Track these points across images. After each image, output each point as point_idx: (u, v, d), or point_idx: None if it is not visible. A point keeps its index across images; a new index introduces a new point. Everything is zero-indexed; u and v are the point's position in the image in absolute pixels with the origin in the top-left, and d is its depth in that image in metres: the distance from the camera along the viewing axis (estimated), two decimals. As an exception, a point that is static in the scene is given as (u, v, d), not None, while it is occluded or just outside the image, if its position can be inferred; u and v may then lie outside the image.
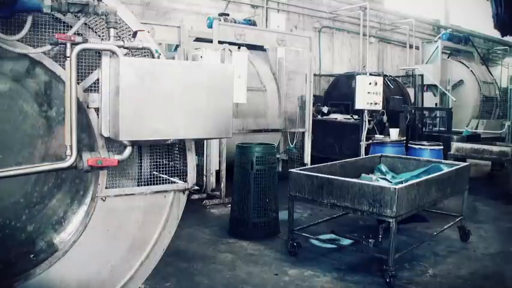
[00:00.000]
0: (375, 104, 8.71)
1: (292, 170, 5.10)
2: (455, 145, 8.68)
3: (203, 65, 4.28)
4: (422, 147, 7.66)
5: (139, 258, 3.34)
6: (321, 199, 4.62)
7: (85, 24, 2.99)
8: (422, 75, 12.74)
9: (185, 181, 3.45)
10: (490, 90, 14.65)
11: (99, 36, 3.04)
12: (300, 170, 5.14)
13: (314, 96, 9.77)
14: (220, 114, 3.15)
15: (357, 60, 14.07)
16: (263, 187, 5.59)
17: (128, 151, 3.01)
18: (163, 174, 3.42)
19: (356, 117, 9.92)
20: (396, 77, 12.81)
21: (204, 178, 7.43)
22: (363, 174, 5.78)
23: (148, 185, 3.33)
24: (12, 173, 2.68)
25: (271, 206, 5.68)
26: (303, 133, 8.85)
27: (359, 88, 8.65)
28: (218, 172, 7.42)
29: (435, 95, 13.39)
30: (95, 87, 3.02)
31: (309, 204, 5.49)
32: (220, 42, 7.30)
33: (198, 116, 3.05)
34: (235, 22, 8.38)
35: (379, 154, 6.69)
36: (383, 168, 6.08)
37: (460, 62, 14.84)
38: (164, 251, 3.47)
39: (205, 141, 7.13)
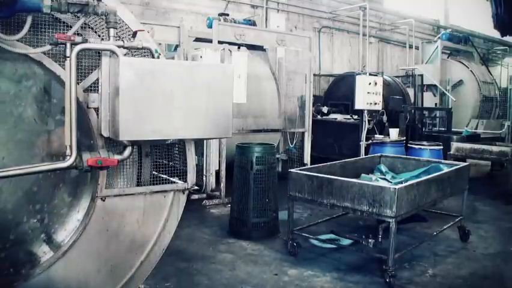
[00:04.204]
0: (375, 104, 8.71)
1: (292, 170, 5.10)
2: (455, 145, 8.69)
3: (203, 65, 4.28)
4: (422, 147, 7.67)
5: (139, 258, 3.34)
6: (320, 199, 4.62)
7: (85, 24, 2.99)
8: (421, 75, 12.75)
9: (185, 181, 3.45)
10: (490, 90, 14.65)
11: (99, 36, 3.04)
12: (300, 170, 5.14)
13: (314, 96, 9.77)
14: (219, 114, 3.15)
15: (357, 60, 14.07)
16: (263, 187, 5.59)
17: (128, 151, 3.01)
18: (162, 174, 3.42)
19: (355, 117, 9.92)
20: (396, 77, 12.81)
21: (204, 178, 7.43)
22: (363, 175, 5.78)
23: (147, 185, 3.33)
24: (12, 173, 2.68)
25: (271, 206, 5.68)
26: (303, 133, 8.85)
27: (358, 88, 8.65)
28: (218, 172, 7.42)
29: (435, 95, 13.39)
30: (95, 87, 3.02)
31: (308, 204, 5.49)
32: (219, 42, 7.31)
33: (198, 116, 3.05)
34: (235, 22, 8.38)
35: (379, 154, 6.70)
36: (383, 168, 6.08)
37: (460, 62, 14.84)
38: (164, 251, 3.47)
39: (204, 141, 7.13)
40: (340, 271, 4.64)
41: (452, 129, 10.58)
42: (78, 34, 2.84)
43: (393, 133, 8.46)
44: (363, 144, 8.78)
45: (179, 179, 3.46)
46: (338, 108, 11.12)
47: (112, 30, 2.94)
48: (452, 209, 6.22)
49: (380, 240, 4.38)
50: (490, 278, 4.66)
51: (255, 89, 8.25)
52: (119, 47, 2.92)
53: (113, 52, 2.89)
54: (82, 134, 2.97)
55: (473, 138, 9.91)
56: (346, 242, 5.21)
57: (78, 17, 2.90)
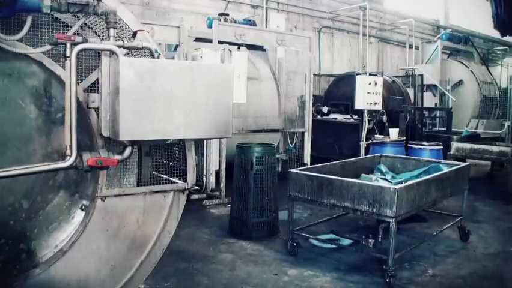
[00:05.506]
0: (375, 104, 8.71)
1: (292, 170, 5.10)
2: (455, 145, 8.69)
3: (203, 65, 4.28)
4: (422, 147, 7.67)
5: (139, 258, 3.34)
6: (320, 199, 4.62)
7: (85, 24, 2.99)
8: (421, 75, 12.75)
9: (185, 181, 3.45)
10: (490, 90, 14.65)
11: (99, 36, 3.04)
12: (300, 170, 5.14)
13: (314, 96, 9.77)
14: (219, 114, 3.15)
15: (357, 60, 14.07)
16: (263, 187, 5.59)
17: (128, 151, 3.01)
18: (163, 174, 3.42)
19: (355, 117, 9.92)
20: (396, 77, 12.81)
21: (204, 178, 7.43)
22: (362, 175, 5.79)
23: (147, 185, 3.33)
24: (12, 173, 2.68)
25: (271, 206, 5.68)
26: (303, 133, 8.85)
27: (358, 88, 8.65)
28: (218, 172, 7.43)
29: (435, 95, 13.40)
30: (94, 87, 3.02)
31: (308, 204, 5.49)
32: (220, 42, 7.31)
33: (198, 116, 3.04)
34: (235, 22, 8.39)
35: (379, 154, 6.70)
36: (383, 168, 6.08)
37: (460, 62, 14.85)
38: (164, 251, 3.47)
39: (204, 141, 7.13)
40: (340, 271, 4.64)
41: (452, 129, 10.59)
42: (78, 34, 2.84)
43: (393, 133, 8.46)
44: (363, 144, 8.78)
45: (179, 179, 3.46)
46: (338, 108, 11.12)
47: (112, 30, 2.94)
48: (452, 209, 6.22)
49: (380, 240, 4.38)
50: (490, 278, 4.66)
51: (255, 89, 8.26)
52: (119, 47, 2.92)
53: (113, 52, 2.89)
54: (82, 134, 2.97)
55: (473, 138, 9.91)
56: (346, 242, 5.21)
57: (78, 17, 2.91)
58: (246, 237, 5.53)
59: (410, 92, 12.21)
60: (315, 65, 12.98)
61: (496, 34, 6.87)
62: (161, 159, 3.51)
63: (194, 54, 7.14)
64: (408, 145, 8.06)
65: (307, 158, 8.75)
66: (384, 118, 9.35)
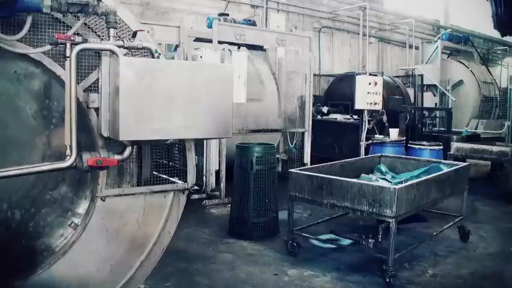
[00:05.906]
0: (375, 104, 8.71)
1: (292, 170, 5.10)
2: (455, 145, 8.69)
3: (203, 65, 4.28)
4: (422, 147, 7.67)
5: (139, 258, 3.34)
6: (320, 199, 4.63)
7: (85, 24, 2.99)
8: (421, 75, 12.73)
9: (185, 181, 3.45)
10: (490, 90, 14.63)
11: (99, 36, 3.04)
12: (300, 170, 5.14)
13: (314, 96, 9.76)
14: (219, 114, 3.15)
15: (357, 60, 14.07)
16: (263, 187, 5.60)
17: (128, 151, 3.01)
18: (163, 174, 3.42)
19: (355, 117, 9.92)
20: (396, 77, 12.81)
21: (204, 178, 7.43)
22: (362, 175, 5.79)
23: (147, 185, 3.33)
24: (12, 173, 2.68)
25: (271, 206, 5.69)
26: (303, 133, 8.85)
27: (358, 88, 8.65)
28: (218, 172, 7.43)
29: (435, 95, 13.38)
30: (95, 87, 3.02)
31: (308, 204, 5.49)
32: (220, 42, 7.31)
33: (198, 116, 3.05)
34: (235, 22, 8.39)
35: (379, 154, 6.70)
36: (383, 168, 6.09)
37: (460, 62, 14.82)
38: (164, 251, 3.47)
39: (204, 141, 7.13)
40: (340, 271, 4.64)
41: (452, 129, 10.58)
42: (78, 34, 2.84)
43: (393, 133, 8.46)
44: (363, 144, 8.77)
45: (179, 179, 3.46)
46: (338, 108, 11.11)
47: (112, 30, 2.94)
48: (452, 209, 6.21)
49: (380, 240, 4.39)
50: (490, 278, 4.66)
51: (255, 90, 8.25)
52: (119, 47, 2.92)
53: (113, 52, 2.89)
54: (82, 134, 2.97)
55: (473, 138, 9.90)
56: (346, 242, 5.21)
57: (78, 17, 2.91)
58: (246, 237, 5.53)
59: (410, 92, 12.20)
60: (315, 65, 12.95)
61: (496, 34, 6.88)
62: (161, 159, 3.51)
63: (194, 54, 7.15)
64: (408, 145, 8.05)
65: (307, 158, 8.74)
66: (384, 118, 9.33)
